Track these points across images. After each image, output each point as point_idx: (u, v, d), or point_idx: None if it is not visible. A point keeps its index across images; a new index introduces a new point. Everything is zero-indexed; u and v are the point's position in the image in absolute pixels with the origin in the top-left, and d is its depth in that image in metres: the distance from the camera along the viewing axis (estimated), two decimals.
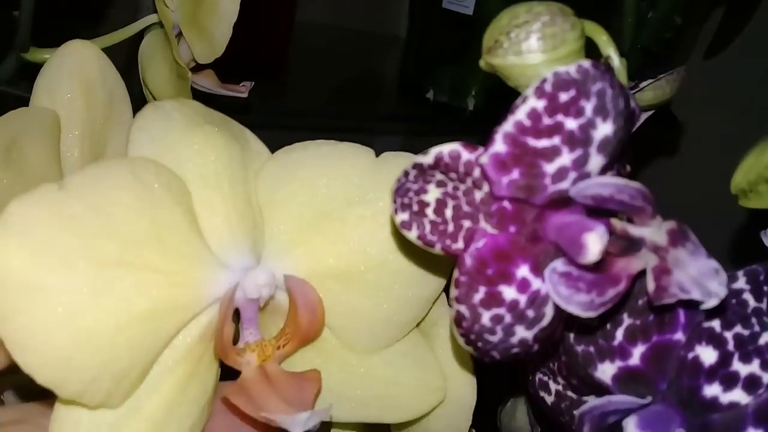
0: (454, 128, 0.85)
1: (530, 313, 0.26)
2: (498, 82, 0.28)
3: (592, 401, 0.27)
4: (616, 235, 0.26)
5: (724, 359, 0.26)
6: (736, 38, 0.74)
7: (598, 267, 0.25)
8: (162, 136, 0.30)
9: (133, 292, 0.27)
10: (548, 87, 0.23)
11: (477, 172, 0.25)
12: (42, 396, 0.29)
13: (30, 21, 0.43)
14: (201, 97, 0.46)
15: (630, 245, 0.25)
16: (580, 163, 0.24)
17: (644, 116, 0.40)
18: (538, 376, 0.33)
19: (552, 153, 0.24)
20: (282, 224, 0.31)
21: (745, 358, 0.26)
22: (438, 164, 0.25)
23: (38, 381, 0.26)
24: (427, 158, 0.25)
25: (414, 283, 0.32)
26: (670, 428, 0.26)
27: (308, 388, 0.30)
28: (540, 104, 0.23)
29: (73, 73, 0.36)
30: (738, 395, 0.26)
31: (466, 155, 0.25)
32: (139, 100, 0.45)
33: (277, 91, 0.86)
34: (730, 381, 0.26)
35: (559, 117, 0.23)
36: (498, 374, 0.34)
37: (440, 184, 0.26)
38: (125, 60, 0.46)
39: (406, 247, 0.31)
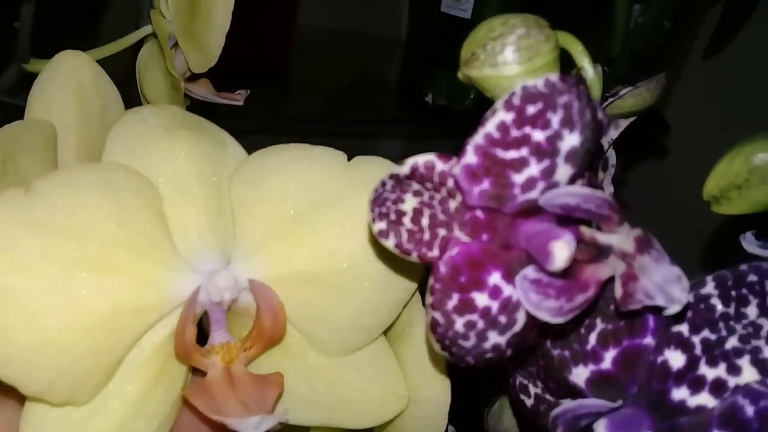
0: (454, 131, 0.86)
1: (502, 319, 0.27)
2: None
3: (564, 404, 0.28)
4: (585, 243, 0.26)
5: (692, 363, 0.27)
6: (733, 41, 0.74)
7: (568, 274, 0.26)
8: (135, 142, 0.31)
9: (97, 293, 0.28)
10: (516, 100, 0.24)
11: (451, 182, 0.26)
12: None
13: (29, 32, 0.44)
14: (199, 105, 0.47)
15: (599, 252, 0.26)
16: (548, 174, 0.25)
17: (626, 123, 0.41)
18: (519, 379, 0.34)
19: (520, 164, 0.25)
20: (252, 227, 0.32)
21: (712, 362, 0.26)
22: (414, 174, 0.26)
23: (1, 379, 0.27)
24: (404, 168, 0.26)
25: (383, 288, 0.33)
26: (640, 431, 0.27)
27: (270, 391, 0.30)
28: (508, 117, 0.24)
29: (67, 83, 0.37)
30: (705, 399, 0.26)
31: (440, 166, 0.26)
32: None
33: (278, 95, 0.87)
34: (697, 384, 0.27)
35: (527, 129, 0.24)
36: (482, 375, 0.34)
37: (417, 193, 0.27)
38: (126, 69, 0.47)
39: (375, 252, 0.31)
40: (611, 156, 0.43)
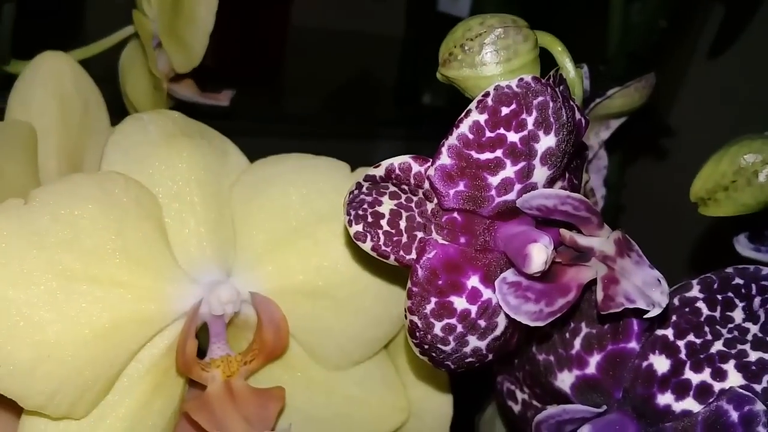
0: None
1: (482, 323, 0.26)
2: None
3: (548, 410, 0.27)
4: (566, 245, 0.26)
5: (677, 368, 0.26)
6: (737, 40, 0.73)
7: (548, 277, 0.25)
8: (135, 150, 0.30)
9: (97, 306, 0.28)
10: (490, 101, 0.24)
11: (427, 184, 0.25)
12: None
13: (10, 33, 0.43)
14: (186, 105, 0.46)
15: (580, 255, 0.26)
16: (525, 175, 0.24)
17: (617, 123, 0.40)
18: (506, 385, 0.33)
19: (495, 165, 0.24)
20: (253, 238, 0.31)
21: (697, 367, 0.26)
22: (389, 176, 0.26)
23: (0, 392, 0.27)
24: (379, 170, 0.26)
25: (385, 300, 0.32)
26: None
27: (271, 406, 0.30)
28: (482, 118, 0.24)
29: (47, 84, 0.36)
30: (690, 404, 0.26)
31: (416, 167, 0.25)
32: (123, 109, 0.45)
33: (273, 96, 0.86)
34: (682, 389, 0.26)
35: (501, 130, 0.24)
36: (473, 381, 0.34)
37: (393, 195, 0.26)
38: (108, 68, 0.47)
39: (377, 264, 0.31)
40: (602, 157, 0.43)
